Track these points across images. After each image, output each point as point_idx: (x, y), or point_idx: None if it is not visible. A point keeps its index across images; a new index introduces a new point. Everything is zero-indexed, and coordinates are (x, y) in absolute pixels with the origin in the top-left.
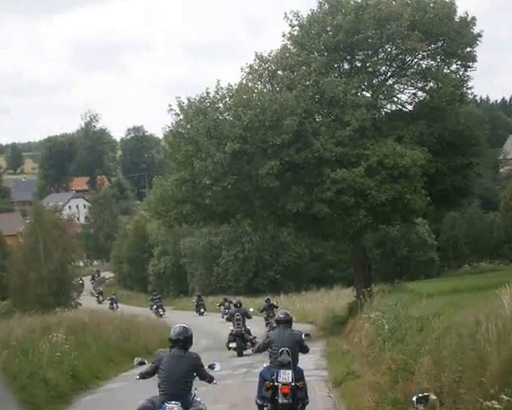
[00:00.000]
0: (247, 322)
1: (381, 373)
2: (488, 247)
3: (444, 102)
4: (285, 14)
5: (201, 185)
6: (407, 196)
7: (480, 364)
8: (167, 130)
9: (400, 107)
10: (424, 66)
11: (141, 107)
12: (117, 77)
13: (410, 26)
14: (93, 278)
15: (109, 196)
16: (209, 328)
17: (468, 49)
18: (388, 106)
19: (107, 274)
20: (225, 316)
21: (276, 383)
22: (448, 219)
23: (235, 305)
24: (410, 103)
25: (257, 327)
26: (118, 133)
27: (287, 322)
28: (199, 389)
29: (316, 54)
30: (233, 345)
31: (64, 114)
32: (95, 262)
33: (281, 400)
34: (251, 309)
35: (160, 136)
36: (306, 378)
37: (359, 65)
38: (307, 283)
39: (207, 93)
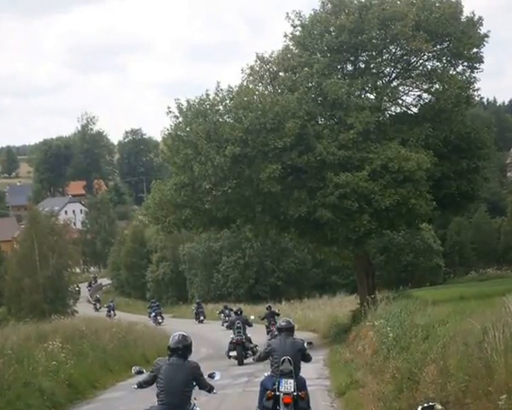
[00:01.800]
0: (248, 330)
1: (385, 382)
2: (495, 253)
3: (450, 104)
4: (287, 14)
5: (201, 190)
6: (412, 201)
7: (486, 373)
8: (166, 133)
9: (405, 109)
10: (429, 67)
11: (139, 109)
12: (115, 78)
13: (415, 26)
14: (90, 285)
15: (106, 201)
16: (209, 336)
17: (475, 50)
18: (393, 108)
19: (105, 281)
20: (225, 324)
21: (278, 393)
22: (454, 224)
23: (236, 312)
24: (415, 106)
25: (258, 335)
26: (115, 136)
27: (288, 330)
28: (198, 398)
29: (318, 55)
30: (233, 354)
31: (60, 116)
32: (92, 268)
33: None
34: (252, 317)
35: (159, 139)
36: (309, 388)
37: (363, 66)
38: (309, 289)
39: (207, 95)
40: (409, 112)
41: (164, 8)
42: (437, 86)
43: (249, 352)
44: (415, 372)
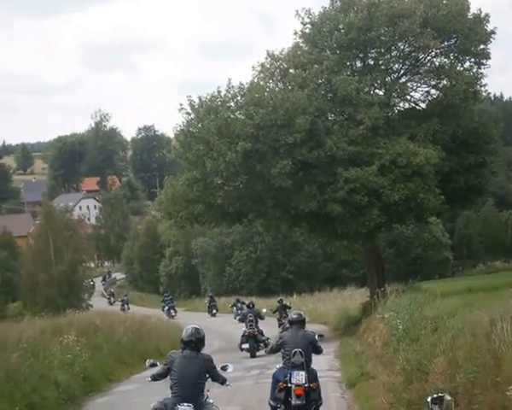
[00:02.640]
0: (260, 323)
1: (395, 374)
2: (503, 246)
3: (457, 99)
4: (296, 11)
5: (213, 185)
6: (420, 195)
7: (495, 364)
8: (178, 129)
9: (413, 105)
10: (437, 63)
11: (152, 106)
12: (128, 76)
13: (422, 23)
14: (104, 280)
15: (120, 197)
16: (222, 329)
17: (482, 47)
18: (401, 104)
19: (119, 275)
20: (238, 317)
21: (290, 385)
22: (462, 218)
23: (248, 306)
24: (424, 101)
25: (270, 328)
26: (128, 133)
27: (300, 323)
28: (212, 390)
29: (328, 52)
30: (246, 346)
31: (74, 113)
32: (106, 263)
33: (294, 401)
34: (264, 310)
35: (171, 135)
36: (320, 379)
37: (372, 63)
38: (320, 283)
39: (218, 92)
40: (417, 107)
41: (176, 7)
42: (445, 82)
43: (261, 344)
44: (424, 364)
